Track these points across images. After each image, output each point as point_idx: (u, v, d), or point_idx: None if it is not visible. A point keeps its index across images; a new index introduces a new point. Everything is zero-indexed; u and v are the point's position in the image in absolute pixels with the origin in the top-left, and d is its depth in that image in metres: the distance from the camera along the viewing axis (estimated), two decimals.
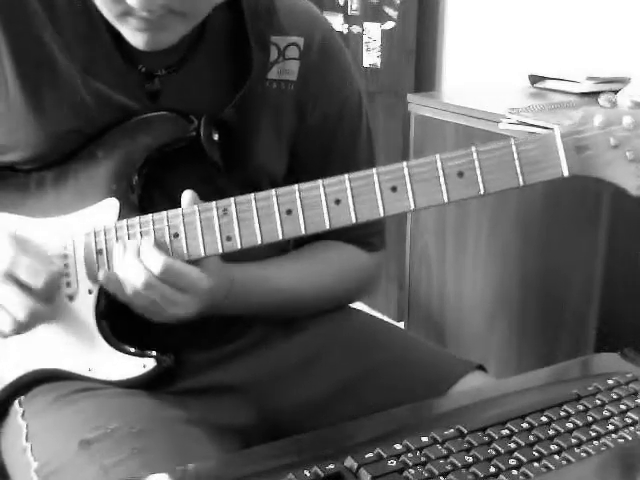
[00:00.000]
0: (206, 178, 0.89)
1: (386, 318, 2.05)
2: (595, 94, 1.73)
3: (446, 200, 0.75)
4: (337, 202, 0.77)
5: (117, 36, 0.84)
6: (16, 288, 0.79)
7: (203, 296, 0.81)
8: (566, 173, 0.74)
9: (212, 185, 0.88)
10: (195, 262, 0.81)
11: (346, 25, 2.71)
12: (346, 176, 0.76)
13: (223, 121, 0.89)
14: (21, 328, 0.81)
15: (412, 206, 0.76)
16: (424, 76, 2.56)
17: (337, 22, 2.70)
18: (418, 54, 2.53)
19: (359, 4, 2.65)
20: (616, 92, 1.67)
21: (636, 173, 0.73)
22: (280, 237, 0.78)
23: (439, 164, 0.75)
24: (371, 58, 2.63)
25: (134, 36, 0.80)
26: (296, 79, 0.93)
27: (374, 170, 0.76)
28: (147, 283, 0.78)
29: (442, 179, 0.75)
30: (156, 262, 0.78)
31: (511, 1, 2.24)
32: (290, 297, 0.96)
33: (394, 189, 0.76)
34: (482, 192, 0.75)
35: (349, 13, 2.69)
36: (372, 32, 2.61)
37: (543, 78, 1.94)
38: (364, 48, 2.65)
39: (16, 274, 0.79)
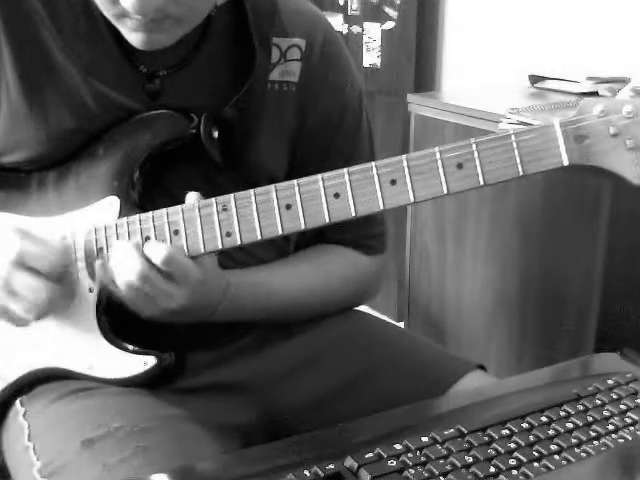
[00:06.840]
0: (206, 176, 0.89)
1: (386, 318, 2.04)
2: (595, 94, 1.74)
3: (445, 192, 0.75)
4: (336, 196, 0.76)
5: (118, 36, 0.85)
6: (28, 273, 0.80)
7: (194, 287, 0.81)
8: (566, 162, 0.73)
9: (212, 183, 0.89)
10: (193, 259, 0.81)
11: (346, 25, 2.70)
12: (345, 170, 0.76)
13: (224, 120, 0.89)
14: (41, 312, 0.81)
15: (412, 199, 0.75)
16: (424, 76, 2.55)
17: (337, 22, 2.70)
18: (418, 54, 2.52)
19: (359, 4, 2.64)
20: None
21: (636, 161, 0.72)
22: (280, 232, 0.78)
23: (438, 156, 0.74)
24: (371, 58, 2.63)
25: (131, 35, 0.80)
26: (297, 80, 0.93)
27: (373, 163, 0.76)
28: (142, 274, 0.78)
29: (441, 171, 0.74)
30: (159, 252, 0.78)
31: (511, 1, 2.24)
32: (289, 302, 0.96)
33: (393, 182, 0.75)
34: (482, 183, 0.74)
35: (349, 13, 2.69)
36: (372, 32, 2.61)
37: (543, 78, 1.94)
38: (364, 48, 2.65)
39: (25, 261, 0.80)
